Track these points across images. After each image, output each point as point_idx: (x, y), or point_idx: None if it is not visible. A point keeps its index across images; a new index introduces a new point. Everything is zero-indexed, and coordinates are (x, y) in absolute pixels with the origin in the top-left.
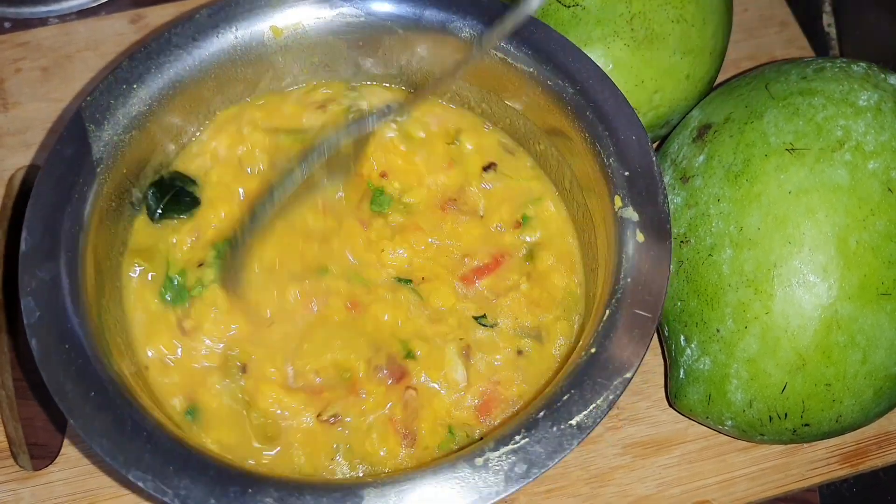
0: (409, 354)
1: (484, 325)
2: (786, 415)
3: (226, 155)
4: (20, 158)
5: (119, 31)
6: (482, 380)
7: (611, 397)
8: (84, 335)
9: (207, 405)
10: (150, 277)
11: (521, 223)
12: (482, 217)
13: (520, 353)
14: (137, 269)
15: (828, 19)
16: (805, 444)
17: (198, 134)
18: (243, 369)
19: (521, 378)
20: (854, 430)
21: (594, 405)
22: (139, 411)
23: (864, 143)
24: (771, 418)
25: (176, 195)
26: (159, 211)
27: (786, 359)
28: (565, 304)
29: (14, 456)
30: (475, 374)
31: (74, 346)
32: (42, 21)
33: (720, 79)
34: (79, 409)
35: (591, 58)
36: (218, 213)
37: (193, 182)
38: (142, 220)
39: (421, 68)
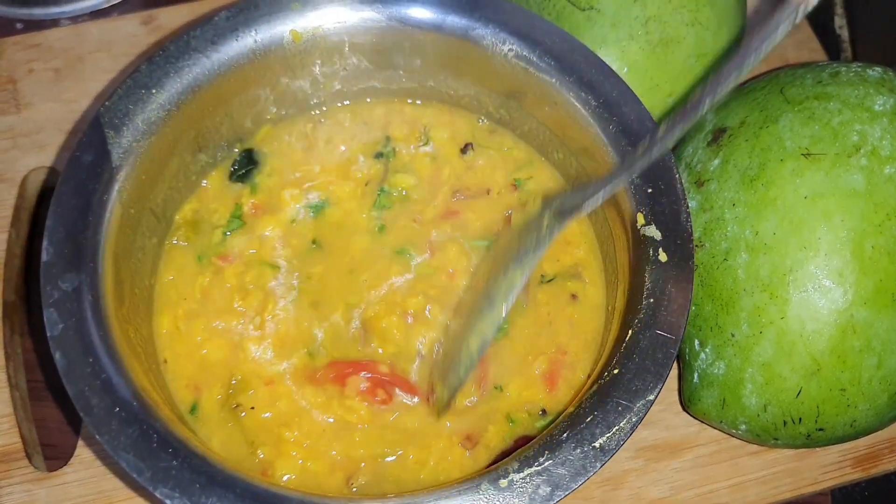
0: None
1: (548, 282)
2: (800, 419)
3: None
4: (33, 159)
5: (131, 33)
6: (549, 345)
7: (634, 420)
8: (107, 348)
9: (207, 407)
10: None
11: (517, 186)
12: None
13: (574, 296)
14: (183, 242)
15: (839, 21)
16: (818, 448)
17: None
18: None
19: (573, 331)
20: (868, 434)
21: (617, 427)
22: (164, 426)
23: (881, 148)
24: (785, 423)
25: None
26: (240, 173)
27: (801, 363)
28: (585, 239)
29: (28, 457)
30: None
31: (98, 359)
32: (54, 22)
33: None
34: (105, 425)
35: (606, 61)
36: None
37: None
38: (215, 177)
39: (441, 77)
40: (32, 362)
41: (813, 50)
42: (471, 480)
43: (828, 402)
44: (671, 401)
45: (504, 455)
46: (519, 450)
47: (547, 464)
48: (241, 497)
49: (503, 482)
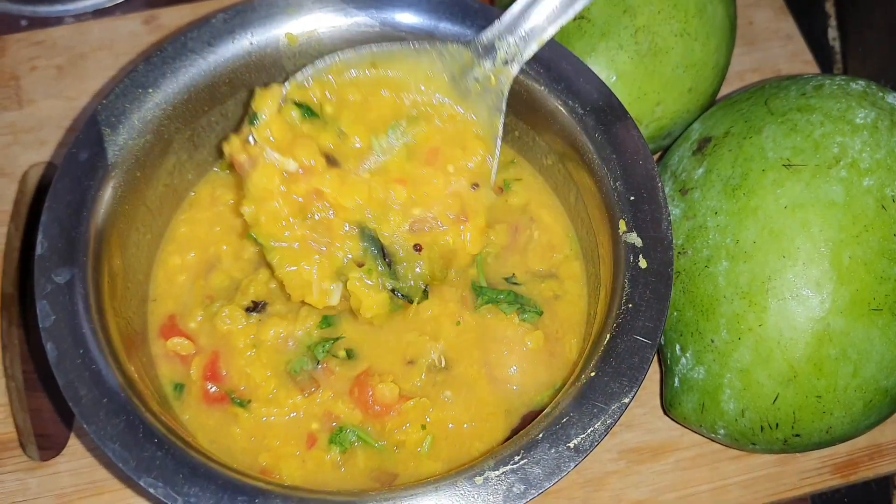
0: None
1: (514, 284)
2: (777, 425)
3: None
4: (34, 155)
5: (133, 32)
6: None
7: (608, 422)
8: (98, 341)
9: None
10: None
11: (503, 189)
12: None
13: (556, 297)
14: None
15: (833, 34)
16: (798, 454)
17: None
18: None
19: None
20: (844, 441)
21: (592, 429)
22: (150, 418)
23: (860, 161)
24: (762, 428)
25: None
26: None
27: (778, 370)
28: (569, 244)
29: (22, 446)
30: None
31: (88, 351)
32: (58, 20)
33: (724, 90)
34: (93, 415)
35: (595, 69)
36: None
37: None
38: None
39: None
40: (27, 353)
41: (806, 62)
42: (448, 478)
43: (804, 409)
44: (654, 404)
45: (515, 432)
46: (498, 448)
47: (522, 462)
48: (222, 488)
49: (479, 479)
